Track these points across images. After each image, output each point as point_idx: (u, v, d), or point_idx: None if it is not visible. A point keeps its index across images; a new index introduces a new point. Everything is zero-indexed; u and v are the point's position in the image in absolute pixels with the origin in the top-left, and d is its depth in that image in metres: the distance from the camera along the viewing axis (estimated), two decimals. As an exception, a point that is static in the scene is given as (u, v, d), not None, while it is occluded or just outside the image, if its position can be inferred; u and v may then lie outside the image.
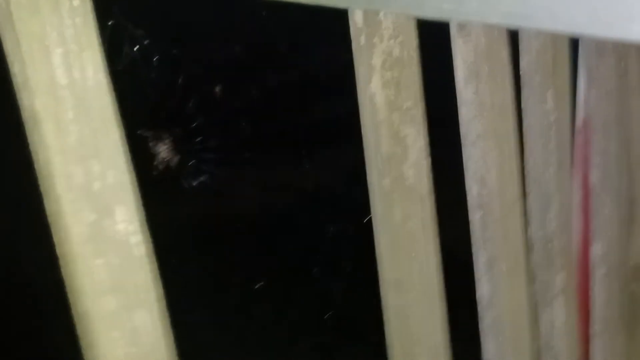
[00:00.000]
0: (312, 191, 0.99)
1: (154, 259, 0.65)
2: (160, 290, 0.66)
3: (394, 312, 0.92)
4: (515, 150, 0.98)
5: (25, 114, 0.61)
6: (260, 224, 0.98)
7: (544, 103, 0.99)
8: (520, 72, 0.96)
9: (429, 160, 0.85)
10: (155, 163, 0.81)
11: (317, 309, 1.04)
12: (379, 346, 0.97)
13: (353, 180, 0.94)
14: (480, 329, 1.06)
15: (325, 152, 0.99)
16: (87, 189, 0.61)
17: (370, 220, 0.91)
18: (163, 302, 0.66)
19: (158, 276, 0.66)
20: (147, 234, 0.65)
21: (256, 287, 0.97)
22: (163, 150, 0.75)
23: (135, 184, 0.64)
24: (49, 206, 0.62)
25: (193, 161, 0.79)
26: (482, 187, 0.96)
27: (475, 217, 0.98)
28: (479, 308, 1.05)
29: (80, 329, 0.64)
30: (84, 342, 0.64)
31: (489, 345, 1.04)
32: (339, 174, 1.02)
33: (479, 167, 0.95)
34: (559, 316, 1.11)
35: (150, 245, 0.65)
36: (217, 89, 0.86)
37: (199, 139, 0.85)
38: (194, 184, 0.90)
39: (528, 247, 1.05)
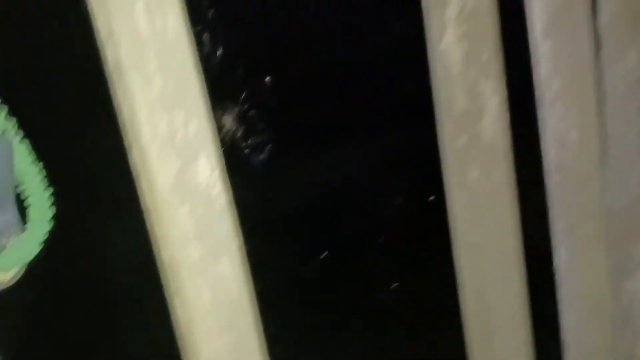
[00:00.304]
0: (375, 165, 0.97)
1: (234, 208, 0.66)
2: (241, 240, 0.66)
3: (468, 276, 0.90)
4: (596, 110, 0.94)
5: (110, 67, 0.62)
6: (325, 195, 0.97)
7: (625, 61, 0.94)
8: (599, 29, 0.92)
9: (508, 115, 0.82)
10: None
11: (385, 278, 1.03)
12: (452, 313, 0.95)
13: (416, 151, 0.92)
14: (558, 298, 1.02)
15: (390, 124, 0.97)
16: (171, 139, 0.62)
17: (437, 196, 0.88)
18: (244, 251, 0.66)
19: (239, 225, 0.66)
20: (228, 183, 0.65)
21: (323, 255, 0.97)
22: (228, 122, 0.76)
23: (217, 133, 0.64)
24: (134, 157, 0.63)
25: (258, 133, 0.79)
26: (560, 148, 0.93)
27: (553, 180, 0.94)
28: (557, 276, 1.01)
29: (165, 277, 0.65)
30: (170, 290, 0.65)
31: (568, 314, 1.00)
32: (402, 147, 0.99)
33: (557, 128, 0.91)
34: (642, 286, 1.06)
35: (231, 195, 0.65)
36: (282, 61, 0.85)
37: (264, 113, 0.84)
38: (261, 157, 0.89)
39: (608, 214, 1.00)
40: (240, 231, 0.66)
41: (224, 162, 0.66)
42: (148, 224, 0.64)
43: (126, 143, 0.63)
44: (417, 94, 0.87)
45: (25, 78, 0.85)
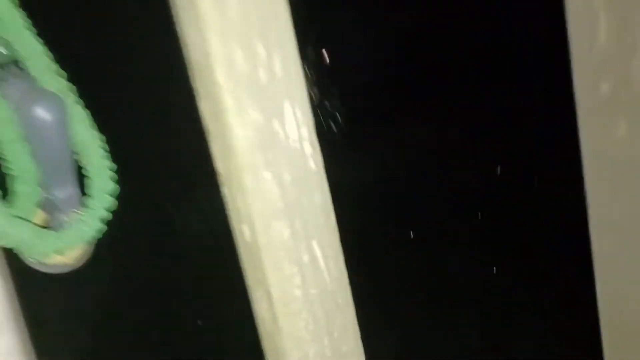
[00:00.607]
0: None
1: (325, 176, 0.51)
2: (334, 217, 0.52)
3: (607, 260, 0.73)
4: None
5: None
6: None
7: None
8: None
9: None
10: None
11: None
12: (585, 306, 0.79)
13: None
14: None
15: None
16: (251, 80, 0.48)
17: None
18: (337, 232, 0.52)
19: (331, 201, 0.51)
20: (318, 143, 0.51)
21: (413, 232, 0.82)
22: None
23: (305, 77, 0.50)
24: (205, 106, 0.49)
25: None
26: None
27: None
28: None
29: (247, 261, 0.51)
30: (253, 278, 0.51)
31: None
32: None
33: None
34: None
35: (321, 158, 0.51)
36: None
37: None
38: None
39: None
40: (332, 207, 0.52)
41: (312, 117, 0.51)
42: (226, 197, 0.50)
43: (194, 89, 0.49)
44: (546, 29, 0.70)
45: (85, 39, 0.76)
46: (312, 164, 0.50)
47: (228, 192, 0.49)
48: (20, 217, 0.61)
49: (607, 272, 0.74)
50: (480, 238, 0.88)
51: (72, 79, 0.65)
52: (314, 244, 0.50)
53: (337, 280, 0.52)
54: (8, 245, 0.59)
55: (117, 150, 0.67)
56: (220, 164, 0.49)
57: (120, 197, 0.66)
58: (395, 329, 0.81)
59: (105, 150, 0.66)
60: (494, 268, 0.88)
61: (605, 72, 0.64)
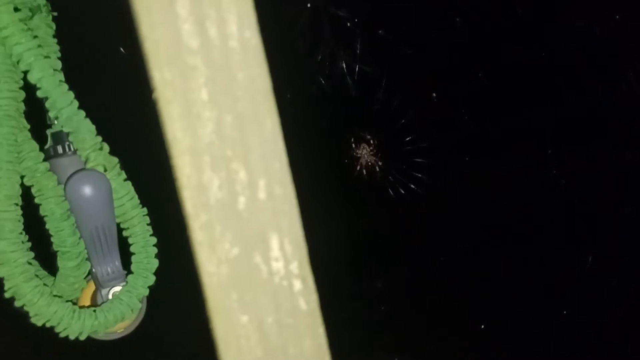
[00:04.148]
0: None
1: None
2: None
3: None
4: None
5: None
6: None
7: None
8: None
9: None
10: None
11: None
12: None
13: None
14: None
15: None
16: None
17: None
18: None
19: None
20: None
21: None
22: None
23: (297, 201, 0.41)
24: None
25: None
26: None
27: None
28: None
29: None
30: None
31: None
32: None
33: None
34: None
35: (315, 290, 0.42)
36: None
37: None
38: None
39: None
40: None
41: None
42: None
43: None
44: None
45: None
46: (302, 304, 0.42)
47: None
48: (61, 296, 0.63)
49: None
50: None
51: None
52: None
53: None
54: (47, 325, 0.61)
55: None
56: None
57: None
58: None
59: (149, 223, 0.65)
60: None
61: None
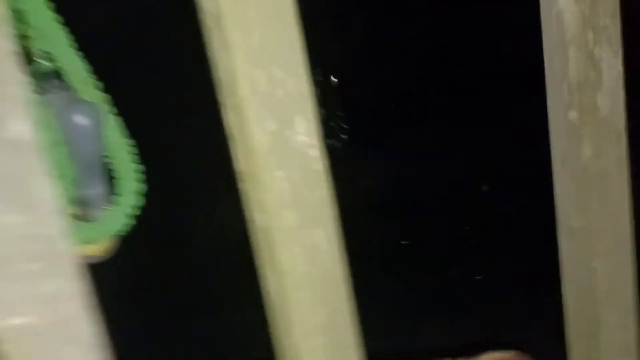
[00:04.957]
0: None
1: (329, 176, 0.62)
2: (335, 210, 0.62)
3: (574, 264, 0.82)
4: None
5: (207, 16, 0.59)
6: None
7: None
8: None
9: (624, 89, 0.75)
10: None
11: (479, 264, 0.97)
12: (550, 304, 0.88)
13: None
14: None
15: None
16: (269, 96, 0.58)
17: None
18: (337, 222, 0.62)
19: (334, 195, 0.62)
20: (323, 149, 0.61)
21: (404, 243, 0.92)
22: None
23: (314, 95, 0.60)
24: (230, 116, 0.60)
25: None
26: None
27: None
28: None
29: (259, 245, 0.61)
30: (263, 258, 0.61)
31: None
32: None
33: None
34: None
35: (326, 162, 0.61)
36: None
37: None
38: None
39: None
40: (334, 200, 0.62)
41: (319, 127, 0.62)
42: (243, 189, 0.60)
43: (222, 103, 0.60)
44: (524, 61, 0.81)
45: (121, 52, 0.85)
46: (316, 166, 0.61)
47: (247, 187, 0.60)
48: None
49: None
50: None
51: (107, 90, 0.75)
52: (317, 231, 0.61)
53: (335, 261, 0.62)
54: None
55: (149, 154, 0.77)
56: (241, 164, 0.60)
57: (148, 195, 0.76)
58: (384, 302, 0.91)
59: (134, 154, 0.77)
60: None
61: (575, 100, 0.74)
